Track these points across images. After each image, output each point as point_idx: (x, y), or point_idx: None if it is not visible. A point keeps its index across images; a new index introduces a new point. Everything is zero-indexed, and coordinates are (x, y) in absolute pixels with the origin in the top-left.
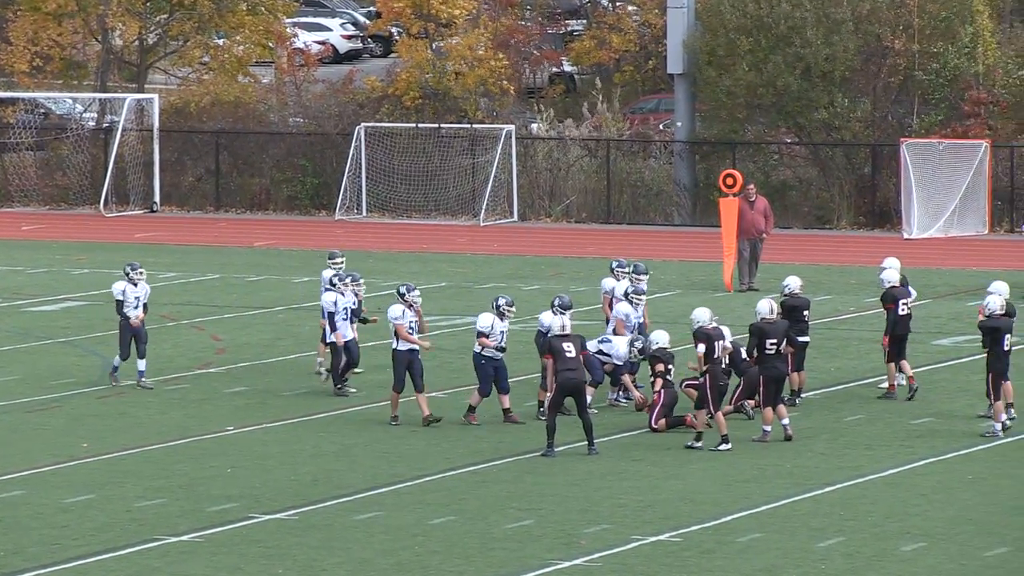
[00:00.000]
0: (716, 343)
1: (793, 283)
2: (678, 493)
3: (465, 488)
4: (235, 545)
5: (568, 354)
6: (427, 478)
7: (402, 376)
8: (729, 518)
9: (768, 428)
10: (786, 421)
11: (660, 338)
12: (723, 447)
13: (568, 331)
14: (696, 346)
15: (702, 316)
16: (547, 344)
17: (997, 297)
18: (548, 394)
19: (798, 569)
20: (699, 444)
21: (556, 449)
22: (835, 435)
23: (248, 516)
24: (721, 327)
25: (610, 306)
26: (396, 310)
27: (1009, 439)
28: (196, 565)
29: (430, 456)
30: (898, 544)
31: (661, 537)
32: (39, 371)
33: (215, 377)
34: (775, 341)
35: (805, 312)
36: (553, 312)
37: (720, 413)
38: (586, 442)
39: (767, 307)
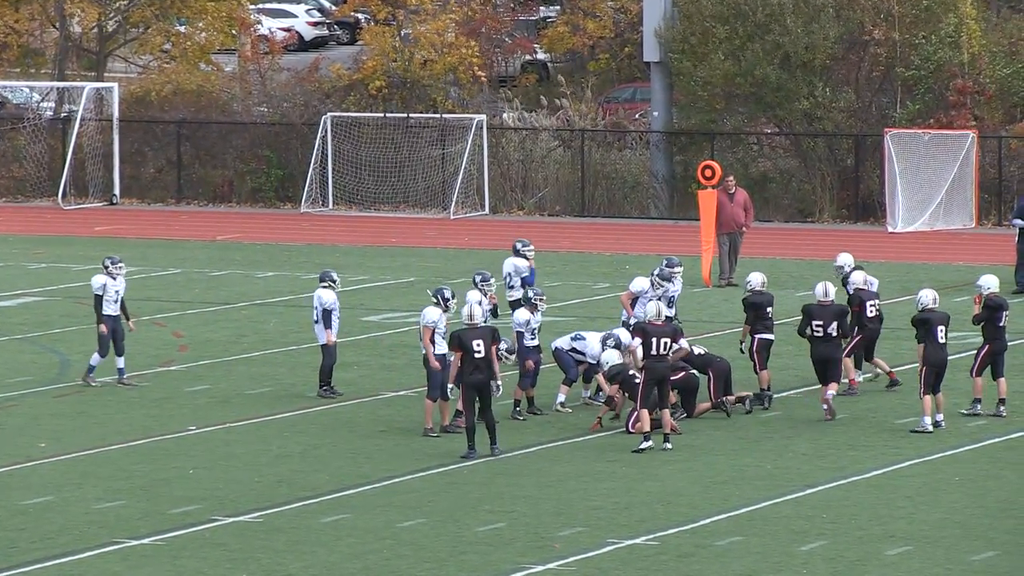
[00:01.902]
0: (653, 339)
1: (755, 280)
2: (655, 495)
3: (435, 490)
4: (198, 548)
5: (476, 353)
6: (396, 479)
7: (438, 383)
8: (707, 521)
9: (829, 399)
10: (831, 393)
11: (611, 357)
12: (644, 445)
13: (477, 322)
14: (632, 339)
15: (651, 311)
16: (455, 338)
17: (928, 291)
18: (445, 385)
19: (779, 573)
20: (668, 445)
21: (475, 452)
22: (817, 435)
23: (211, 518)
24: (675, 324)
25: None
26: (432, 313)
27: (997, 439)
28: (157, 569)
29: (399, 457)
30: (882, 548)
31: (637, 540)
32: None
33: (177, 375)
34: (822, 324)
35: (768, 309)
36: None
37: (645, 411)
38: (556, 442)
39: (821, 290)
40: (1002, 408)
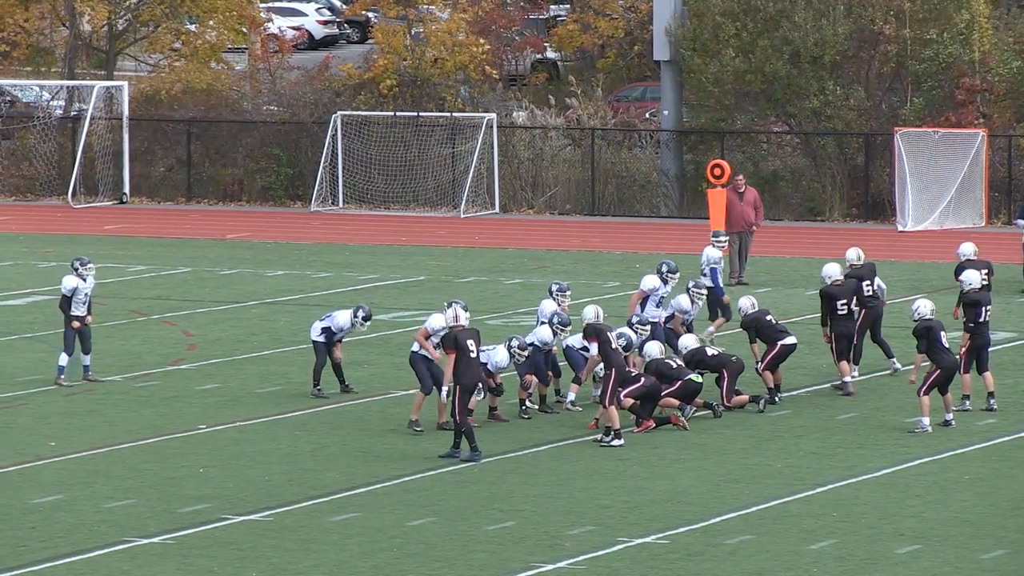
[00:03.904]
0: (610, 334)
1: (745, 304)
2: (665, 494)
3: (445, 488)
4: (207, 547)
5: (471, 353)
6: (406, 478)
7: (427, 377)
8: (717, 519)
9: (848, 379)
10: (847, 378)
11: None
12: (615, 442)
13: (461, 323)
14: (589, 345)
15: (588, 314)
16: (451, 338)
17: (926, 301)
18: (450, 389)
19: (789, 572)
20: (618, 441)
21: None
22: (827, 434)
23: (221, 517)
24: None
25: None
26: (437, 321)
27: (1007, 438)
28: (167, 568)
29: (409, 456)
30: (892, 546)
31: (647, 539)
32: (4, 367)
33: (186, 374)
34: (845, 301)
35: (769, 318)
36: (552, 327)
37: (612, 407)
38: (566, 441)
39: (836, 270)
40: (992, 401)
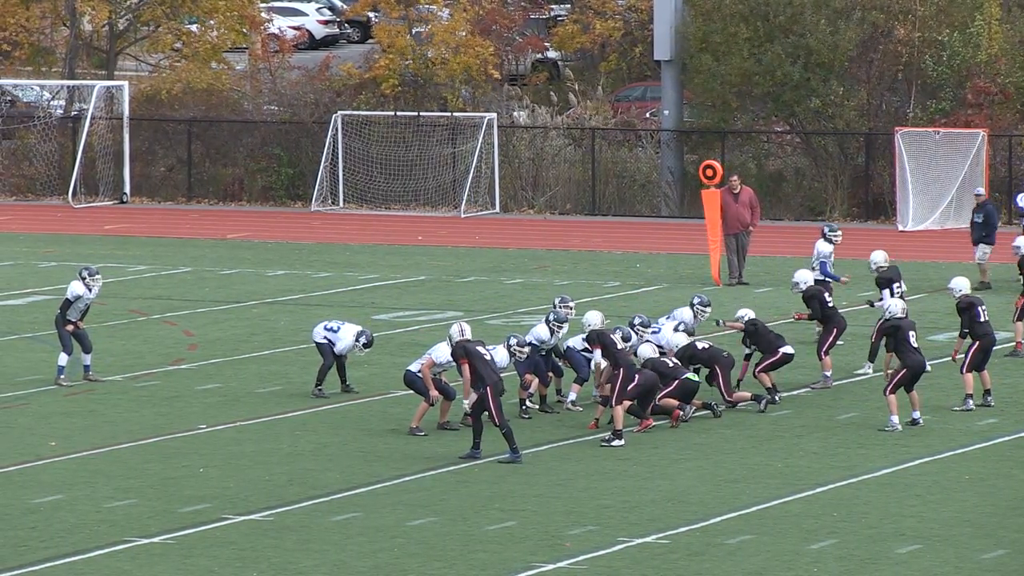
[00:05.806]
0: (613, 336)
1: (749, 314)
2: (665, 494)
3: (446, 488)
4: (208, 547)
5: (487, 356)
6: (406, 478)
7: (430, 389)
8: (718, 519)
9: (828, 373)
10: (828, 372)
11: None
12: (616, 442)
13: (467, 336)
14: (592, 352)
15: (594, 319)
16: (462, 348)
17: (898, 301)
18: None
19: (789, 572)
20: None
21: (520, 452)
22: (828, 433)
23: (221, 517)
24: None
25: None
26: (445, 354)
27: (1007, 437)
28: (168, 567)
29: (409, 455)
30: (893, 546)
31: (648, 539)
32: (5, 367)
33: (187, 374)
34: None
35: (767, 325)
36: (549, 326)
37: (619, 407)
38: (566, 441)
39: (807, 275)
40: (989, 398)
